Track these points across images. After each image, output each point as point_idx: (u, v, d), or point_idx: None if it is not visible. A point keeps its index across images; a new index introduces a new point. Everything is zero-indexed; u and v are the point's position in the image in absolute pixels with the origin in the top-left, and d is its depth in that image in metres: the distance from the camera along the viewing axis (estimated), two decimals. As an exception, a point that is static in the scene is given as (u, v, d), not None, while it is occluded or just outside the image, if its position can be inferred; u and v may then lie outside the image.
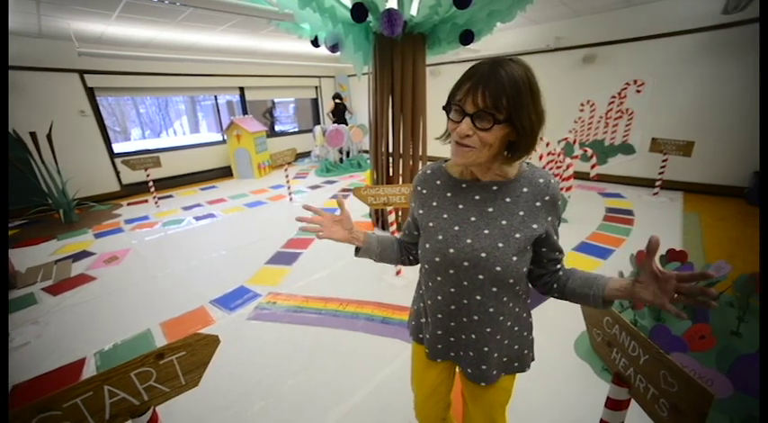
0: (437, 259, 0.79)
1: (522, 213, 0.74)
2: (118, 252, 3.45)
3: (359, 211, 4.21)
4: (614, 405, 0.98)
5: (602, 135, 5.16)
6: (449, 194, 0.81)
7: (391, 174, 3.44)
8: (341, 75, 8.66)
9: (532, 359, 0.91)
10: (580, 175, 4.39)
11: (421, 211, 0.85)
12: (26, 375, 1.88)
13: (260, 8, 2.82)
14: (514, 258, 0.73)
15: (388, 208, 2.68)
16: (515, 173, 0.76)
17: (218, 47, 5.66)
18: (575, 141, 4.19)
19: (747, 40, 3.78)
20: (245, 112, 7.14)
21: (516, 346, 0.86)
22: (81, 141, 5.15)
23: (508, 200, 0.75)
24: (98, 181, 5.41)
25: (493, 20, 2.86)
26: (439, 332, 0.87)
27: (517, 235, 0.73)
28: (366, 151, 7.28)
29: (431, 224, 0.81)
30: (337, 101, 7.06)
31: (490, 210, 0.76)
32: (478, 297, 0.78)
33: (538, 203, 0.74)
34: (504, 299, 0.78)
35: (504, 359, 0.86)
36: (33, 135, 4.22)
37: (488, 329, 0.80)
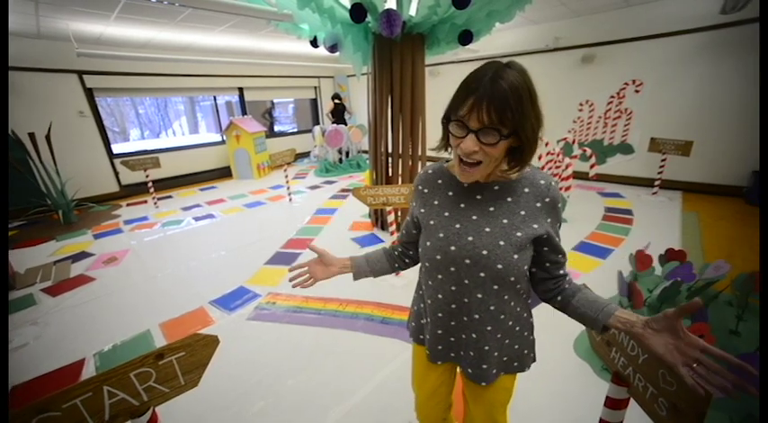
0: (438, 257, 0.79)
1: (523, 213, 0.75)
2: (117, 253, 3.44)
3: (358, 212, 4.22)
4: (613, 404, 0.98)
5: (601, 135, 5.16)
6: (450, 193, 0.81)
7: (390, 174, 3.44)
8: (340, 75, 8.66)
9: (533, 360, 0.90)
10: (579, 175, 4.39)
11: (422, 210, 0.85)
12: (25, 376, 1.87)
13: (259, 8, 2.82)
14: (515, 256, 0.74)
15: (388, 208, 2.68)
16: (517, 174, 0.76)
17: (217, 47, 5.66)
18: (574, 141, 4.19)
19: (746, 40, 3.79)
20: (244, 112, 7.14)
21: (517, 346, 0.86)
22: (80, 142, 5.14)
23: (509, 199, 0.76)
24: (97, 182, 5.40)
25: (492, 20, 2.86)
26: (439, 331, 0.87)
27: (518, 234, 0.74)
28: (365, 151, 7.28)
29: (432, 222, 0.82)
30: (336, 101, 7.06)
31: (491, 209, 0.76)
32: (479, 295, 0.78)
33: (538, 204, 0.75)
34: (505, 297, 0.79)
35: (505, 358, 0.86)
36: (32, 136, 4.22)
37: (489, 328, 0.80)
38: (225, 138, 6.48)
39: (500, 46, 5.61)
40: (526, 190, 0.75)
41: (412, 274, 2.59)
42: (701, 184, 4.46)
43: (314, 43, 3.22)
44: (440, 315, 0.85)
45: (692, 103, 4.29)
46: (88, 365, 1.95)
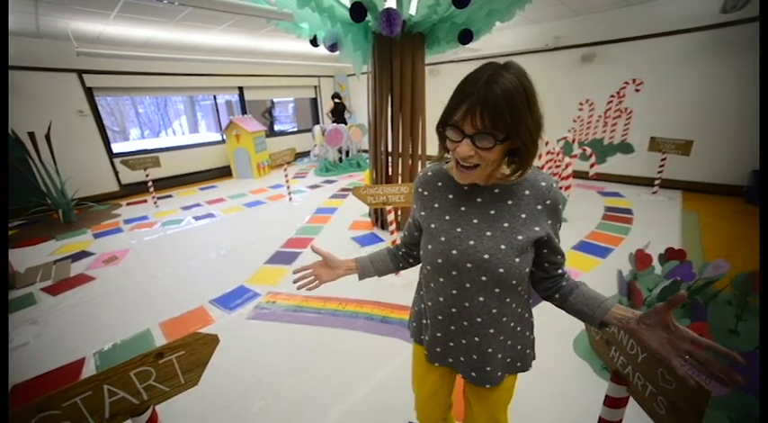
0: (439, 261, 0.79)
1: (523, 216, 0.74)
2: (117, 252, 3.45)
3: (358, 211, 4.22)
4: (613, 403, 0.98)
5: (601, 134, 5.16)
6: (450, 196, 0.81)
7: (390, 173, 3.44)
8: (340, 74, 8.66)
9: (533, 358, 0.91)
10: (579, 174, 4.39)
11: (423, 213, 0.85)
12: (26, 375, 1.87)
13: (259, 7, 2.81)
14: (517, 260, 0.74)
15: (388, 207, 2.68)
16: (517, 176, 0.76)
17: (216, 46, 5.65)
18: (574, 140, 4.20)
19: (746, 39, 3.78)
20: (244, 111, 7.13)
21: (519, 347, 0.86)
22: (80, 141, 5.14)
23: (510, 202, 0.75)
24: (97, 181, 5.40)
25: (492, 19, 2.86)
26: (438, 335, 0.87)
27: (519, 237, 0.73)
28: (365, 151, 7.28)
29: (433, 226, 0.82)
30: (336, 100, 7.06)
31: (492, 212, 0.76)
32: (481, 299, 0.78)
33: (539, 207, 0.74)
34: (507, 299, 0.78)
35: (508, 360, 0.86)
36: (32, 135, 4.21)
37: (491, 331, 0.80)
38: (225, 137, 6.47)
39: (500, 45, 5.60)
40: (527, 192, 0.75)
41: (412, 274, 2.59)
42: (700, 183, 4.46)
43: (314, 42, 3.22)
44: (440, 318, 0.85)
45: (693, 103, 4.29)
46: (88, 364, 1.95)
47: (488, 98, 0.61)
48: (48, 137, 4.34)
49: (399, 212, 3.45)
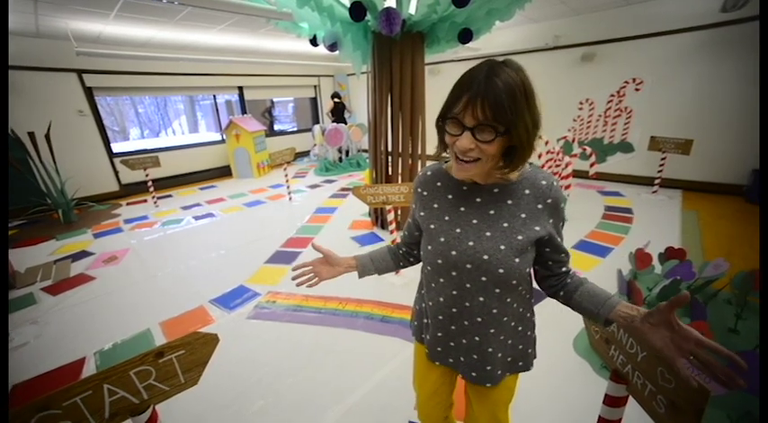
0: (439, 261, 0.79)
1: (523, 215, 0.74)
2: (117, 252, 3.45)
3: (358, 211, 4.22)
4: (612, 402, 0.99)
5: (601, 133, 5.16)
6: (450, 197, 0.81)
7: (390, 173, 3.44)
8: (340, 74, 8.65)
9: (534, 357, 0.91)
10: (579, 174, 4.39)
11: (422, 214, 0.85)
12: (26, 375, 1.88)
13: (258, 7, 2.81)
14: (517, 260, 0.73)
15: (387, 207, 2.68)
16: (516, 175, 0.76)
17: (216, 46, 5.65)
18: (574, 140, 4.19)
19: (746, 38, 3.78)
20: (243, 111, 7.13)
21: (521, 346, 0.86)
22: (80, 141, 5.14)
23: (510, 202, 0.75)
24: (97, 181, 5.39)
25: (492, 18, 2.86)
26: (439, 334, 0.87)
27: (519, 237, 0.73)
28: (365, 150, 7.28)
29: (432, 226, 0.81)
30: (336, 100, 7.06)
31: (491, 212, 0.76)
32: (481, 299, 0.78)
33: (540, 206, 0.74)
34: (508, 299, 0.78)
35: (509, 359, 0.86)
36: (32, 135, 4.21)
37: (492, 330, 0.80)
38: (225, 137, 6.47)
39: (500, 44, 5.60)
40: (527, 191, 0.74)
41: (411, 273, 2.60)
42: (700, 182, 4.45)
43: (313, 42, 3.22)
44: (440, 318, 0.85)
45: (692, 102, 4.29)
46: (88, 364, 1.95)
47: (489, 90, 0.61)
48: (48, 137, 4.34)
49: (399, 212, 3.44)
